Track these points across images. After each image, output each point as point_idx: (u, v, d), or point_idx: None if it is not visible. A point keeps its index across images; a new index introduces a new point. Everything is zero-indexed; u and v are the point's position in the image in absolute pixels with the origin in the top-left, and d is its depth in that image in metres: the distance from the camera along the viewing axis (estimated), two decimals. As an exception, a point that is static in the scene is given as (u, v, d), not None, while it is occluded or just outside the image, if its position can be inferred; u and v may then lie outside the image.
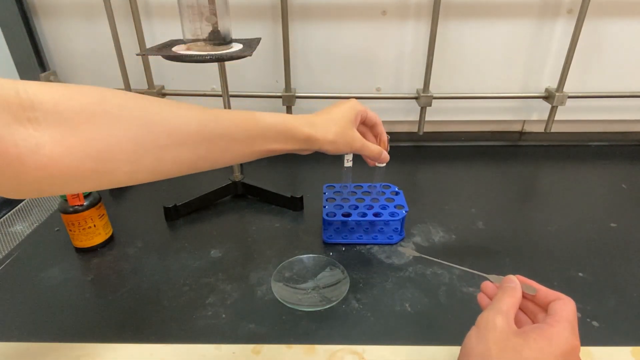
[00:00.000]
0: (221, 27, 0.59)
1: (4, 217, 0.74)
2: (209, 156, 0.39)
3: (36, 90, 0.29)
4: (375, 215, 0.60)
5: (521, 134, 1.01)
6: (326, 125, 0.47)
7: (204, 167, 0.39)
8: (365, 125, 0.54)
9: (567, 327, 0.32)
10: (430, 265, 0.57)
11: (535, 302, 0.37)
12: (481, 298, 0.40)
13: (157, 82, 0.91)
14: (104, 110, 0.31)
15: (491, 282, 0.40)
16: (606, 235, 0.64)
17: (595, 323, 0.48)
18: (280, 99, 0.89)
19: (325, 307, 0.51)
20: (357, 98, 0.90)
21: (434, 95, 0.88)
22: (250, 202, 0.74)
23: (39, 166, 0.28)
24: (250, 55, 0.56)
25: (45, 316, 0.50)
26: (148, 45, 0.85)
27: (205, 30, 0.59)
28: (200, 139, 0.37)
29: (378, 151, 0.53)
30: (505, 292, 0.36)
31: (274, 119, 0.44)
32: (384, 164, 0.59)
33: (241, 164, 0.83)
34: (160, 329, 0.48)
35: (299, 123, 0.45)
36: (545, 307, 0.35)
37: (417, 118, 0.92)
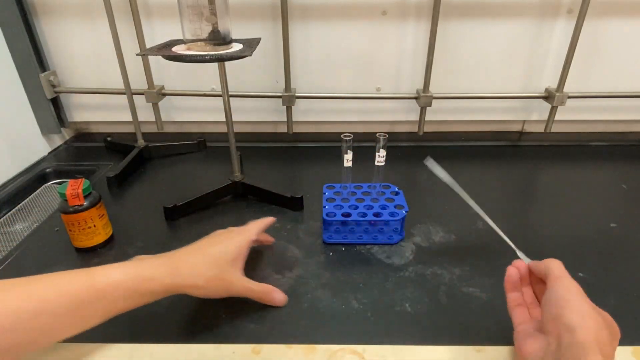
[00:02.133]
0: (221, 27, 0.59)
1: (4, 217, 0.74)
2: (23, 341, 0.33)
3: None
4: (375, 215, 0.60)
5: (521, 134, 1.01)
6: (195, 271, 0.42)
7: (24, 353, 0.34)
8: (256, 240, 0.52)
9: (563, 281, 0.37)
10: (430, 265, 0.57)
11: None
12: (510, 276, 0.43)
13: (157, 82, 0.91)
14: None
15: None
16: (606, 235, 0.64)
17: (595, 323, 0.48)
18: (280, 99, 0.89)
19: None
20: (357, 98, 0.91)
21: (434, 95, 0.88)
22: (250, 202, 0.74)
23: None
24: (250, 55, 0.56)
25: (45, 316, 0.50)
26: (148, 45, 0.85)
27: (205, 30, 0.59)
28: (17, 322, 0.32)
29: (265, 291, 0.47)
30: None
31: (120, 273, 0.37)
32: (383, 163, 0.59)
33: (241, 164, 0.83)
34: (160, 329, 0.48)
35: (156, 273, 0.39)
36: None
37: (417, 118, 0.92)
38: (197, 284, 0.41)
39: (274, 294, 0.49)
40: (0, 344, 0.32)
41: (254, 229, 0.52)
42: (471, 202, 0.52)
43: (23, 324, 0.32)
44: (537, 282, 0.43)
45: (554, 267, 0.39)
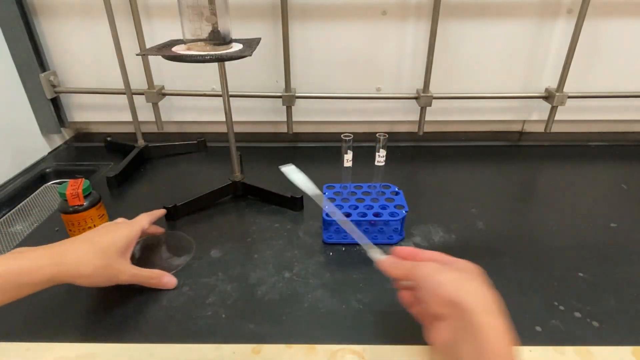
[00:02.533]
0: (221, 27, 0.59)
1: (4, 217, 0.74)
2: None
3: None
4: (375, 215, 0.60)
5: (521, 134, 1.01)
6: (82, 260, 0.42)
7: None
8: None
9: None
10: (430, 265, 0.57)
11: None
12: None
13: (157, 82, 0.91)
14: None
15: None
16: (606, 235, 0.64)
17: (595, 323, 0.48)
18: (280, 99, 0.89)
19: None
20: (357, 98, 0.91)
21: (434, 95, 0.88)
22: (250, 202, 0.74)
23: None
24: (250, 55, 0.56)
25: (45, 316, 0.50)
26: (148, 45, 0.85)
27: (205, 30, 0.59)
28: None
29: (154, 276, 0.49)
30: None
31: (8, 264, 0.37)
32: (383, 163, 0.59)
33: (241, 164, 0.83)
34: (160, 329, 0.48)
35: (39, 264, 0.39)
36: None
37: (417, 118, 0.92)
38: (83, 273, 0.41)
39: (164, 278, 0.51)
40: None
41: (144, 221, 0.53)
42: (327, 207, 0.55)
43: None
44: None
45: (410, 269, 0.40)
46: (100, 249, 0.44)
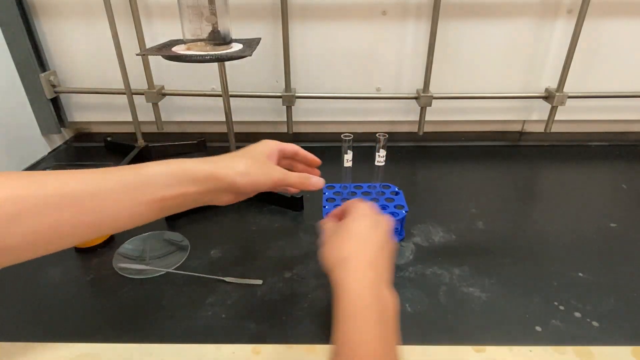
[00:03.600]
0: (221, 27, 0.59)
1: (4, 217, 0.74)
2: (78, 222, 0.34)
3: None
4: (375, 215, 0.60)
5: (521, 134, 1.01)
6: (233, 160, 0.43)
7: (79, 236, 0.35)
8: (288, 158, 0.52)
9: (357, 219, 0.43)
10: (430, 265, 0.57)
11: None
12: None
13: (157, 82, 0.91)
14: None
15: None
16: (606, 235, 0.64)
17: (595, 323, 0.48)
18: (280, 99, 0.89)
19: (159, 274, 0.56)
20: (357, 98, 0.91)
21: (434, 95, 0.88)
22: (250, 202, 0.74)
23: None
24: (250, 55, 0.56)
25: (45, 316, 0.50)
26: (148, 45, 0.85)
27: (205, 30, 0.59)
28: (59, 202, 0.33)
29: (301, 179, 0.49)
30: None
31: (164, 164, 0.39)
32: (383, 163, 0.59)
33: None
34: (160, 329, 0.48)
35: (196, 163, 0.41)
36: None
37: (417, 118, 0.92)
38: (238, 168, 0.42)
39: (312, 179, 0.49)
40: (65, 223, 0.33)
41: (283, 144, 0.52)
42: None
43: (83, 203, 0.34)
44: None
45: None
46: (245, 154, 0.45)
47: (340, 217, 0.47)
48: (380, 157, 0.61)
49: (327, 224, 0.46)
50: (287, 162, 0.52)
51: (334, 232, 0.43)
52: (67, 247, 0.35)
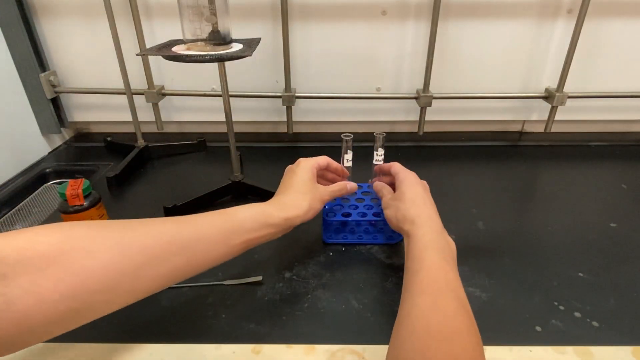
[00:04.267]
0: (221, 27, 0.59)
1: (4, 217, 0.74)
2: (188, 264, 0.39)
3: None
4: (375, 215, 0.60)
5: (521, 134, 1.01)
6: (296, 201, 0.49)
7: (185, 276, 0.39)
8: (321, 170, 0.57)
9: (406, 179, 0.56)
10: (430, 265, 0.57)
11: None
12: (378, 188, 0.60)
13: (157, 82, 0.91)
14: (73, 247, 0.31)
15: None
16: (606, 235, 0.64)
17: (595, 323, 0.48)
18: (280, 99, 0.89)
19: None
20: (357, 98, 0.91)
21: (434, 95, 0.88)
22: (250, 202, 0.73)
23: (14, 323, 0.27)
24: (250, 55, 0.56)
25: (45, 316, 0.50)
26: (148, 45, 0.85)
27: (205, 30, 0.59)
28: (175, 249, 0.38)
29: (341, 188, 0.57)
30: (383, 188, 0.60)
31: (249, 210, 0.46)
32: (382, 162, 0.61)
33: (241, 164, 0.83)
34: (160, 329, 0.48)
35: (273, 209, 0.47)
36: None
37: (417, 118, 0.92)
38: (304, 209, 0.49)
39: (348, 185, 0.58)
40: (181, 266, 0.38)
41: (316, 159, 0.57)
42: None
43: (195, 248, 0.39)
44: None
45: (399, 171, 0.58)
46: (300, 189, 0.51)
47: (388, 180, 0.60)
48: (379, 156, 0.61)
49: (384, 191, 0.58)
50: (319, 173, 0.57)
51: (396, 198, 0.53)
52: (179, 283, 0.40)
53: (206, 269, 0.41)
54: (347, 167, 0.60)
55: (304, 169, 0.53)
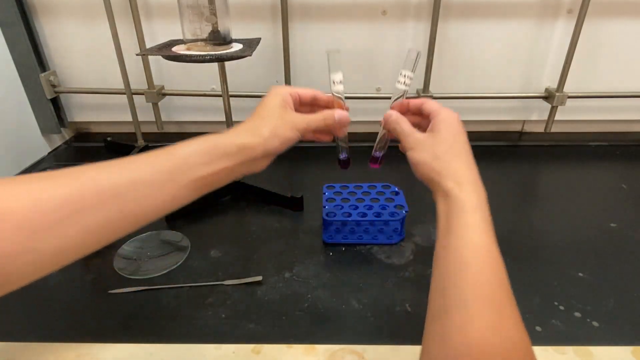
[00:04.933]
0: (221, 27, 0.59)
1: (4, 217, 0.74)
2: (123, 216, 0.34)
3: None
4: (376, 215, 0.60)
5: (521, 134, 1.01)
6: (255, 126, 0.42)
7: (123, 230, 0.34)
8: (306, 105, 0.48)
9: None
10: (430, 265, 0.57)
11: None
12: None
13: (157, 82, 0.91)
14: None
15: None
16: (606, 235, 0.64)
17: (595, 323, 0.48)
18: (280, 99, 0.89)
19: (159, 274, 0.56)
20: (357, 98, 0.91)
21: (434, 95, 0.88)
22: (250, 202, 0.74)
23: None
24: (250, 55, 0.56)
25: (45, 316, 0.50)
26: (148, 45, 0.85)
27: (205, 30, 0.59)
28: (105, 198, 0.33)
29: (326, 116, 0.46)
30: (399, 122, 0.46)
31: (195, 143, 0.40)
32: (407, 88, 0.47)
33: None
34: (160, 329, 0.48)
35: (225, 137, 0.41)
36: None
37: (417, 118, 0.92)
38: (263, 135, 0.41)
39: (336, 114, 0.47)
40: (112, 217, 0.33)
41: (296, 88, 0.49)
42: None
43: (126, 195, 0.34)
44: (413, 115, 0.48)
45: (435, 107, 0.45)
46: (263, 115, 0.43)
47: (413, 121, 0.46)
48: (405, 79, 0.47)
49: (403, 125, 0.45)
50: (306, 109, 0.48)
51: (435, 143, 0.42)
52: (117, 239, 0.35)
53: (149, 220, 0.36)
54: (337, 94, 0.49)
55: (274, 94, 0.45)
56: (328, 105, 0.49)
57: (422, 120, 0.47)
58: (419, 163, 0.42)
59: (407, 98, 0.48)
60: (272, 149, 0.42)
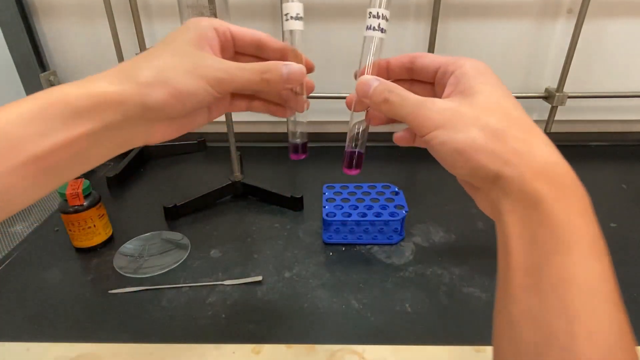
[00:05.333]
0: (221, 27, 0.59)
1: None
2: None
3: None
4: (375, 215, 0.60)
5: (521, 134, 1.01)
6: (132, 66, 0.26)
7: None
8: (248, 55, 0.33)
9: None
10: (430, 265, 0.57)
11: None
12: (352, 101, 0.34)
13: (157, 82, 0.90)
14: None
15: None
16: (606, 235, 0.63)
17: (595, 323, 0.48)
18: (280, 99, 0.89)
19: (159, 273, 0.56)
20: (357, 98, 0.91)
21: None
22: (250, 202, 0.74)
23: None
24: (250, 55, 0.56)
25: (45, 316, 0.50)
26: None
27: (205, 30, 0.59)
28: None
29: (266, 67, 0.29)
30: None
31: (24, 103, 0.24)
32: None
33: (241, 164, 0.82)
34: (160, 329, 0.48)
35: (75, 86, 0.25)
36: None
37: (417, 118, 0.92)
38: (142, 77, 0.26)
39: (283, 68, 0.30)
40: None
41: (226, 23, 0.32)
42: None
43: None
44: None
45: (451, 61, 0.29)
46: (163, 47, 0.28)
47: (400, 79, 0.32)
48: (376, 22, 0.31)
49: (426, 99, 0.27)
50: (248, 59, 0.33)
51: (475, 114, 0.26)
52: None
53: None
54: (293, 41, 0.34)
55: (187, 27, 0.29)
56: (281, 57, 0.32)
57: (414, 88, 0.31)
58: (464, 148, 0.25)
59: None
60: (156, 105, 0.26)
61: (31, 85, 0.88)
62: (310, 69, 0.35)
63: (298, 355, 0.44)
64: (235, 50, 0.32)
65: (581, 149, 0.95)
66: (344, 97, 0.96)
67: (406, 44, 0.87)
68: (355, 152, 0.33)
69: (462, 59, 0.29)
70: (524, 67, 0.89)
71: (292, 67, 0.30)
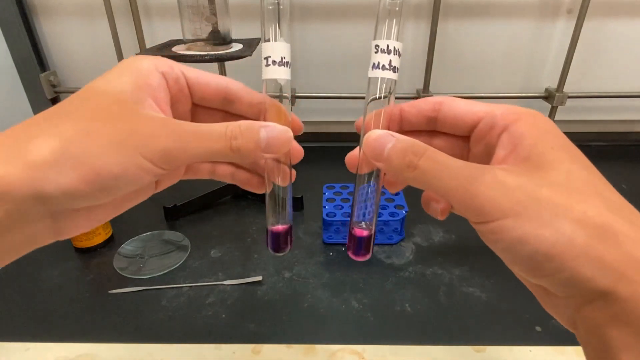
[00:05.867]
0: (221, 27, 0.59)
1: (4, 217, 0.74)
2: None
3: None
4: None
5: (521, 134, 1.01)
6: (26, 136, 0.18)
7: None
8: (204, 107, 0.26)
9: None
10: (430, 265, 0.57)
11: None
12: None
13: (157, 82, 0.90)
14: None
15: None
16: (606, 235, 0.64)
17: (595, 323, 0.48)
18: (280, 99, 0.89)
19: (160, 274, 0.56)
20: (357, 98, 0.91)
21: (434, 95, 0.88)
22: (250, 202, 0.74)
23: None
24: (250, 55, 0.56)
25: (45, 316, 0.50)
26: (148, 45, 0.85)
27: (205, 30, 0.59)
28: None
29: (238, 131, 0.22)
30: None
31: None
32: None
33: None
34: (160, 329, 0.48)
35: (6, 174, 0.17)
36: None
37: (417, 118, 0.92)
38: (32, 156, 0.18)
39: (261, 128, 0.22)
40: None
41: (174, 64, 0.24)
42: None
43: None
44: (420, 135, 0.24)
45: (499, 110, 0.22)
46: (74, 101, 0.20)
47: (415, 129, 0.24)
48: (384, 55, 0.25)
49: (485, 169, 0.20)
50: (211, 115, 0.26)
51: (557, 199, 0.19)
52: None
53: None
54: (272, 92, 0.27)
55: (122, 72, 0.22)
56: (257, 114, 0.26)
57: (435, 142, 0.25)
58: (557, 252, 0.18)
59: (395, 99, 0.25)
60: (59, 194, 0.18)
61: (31, 85, 0.88)
62: (298, 131, 0.25)
63: (298, 355, 0.44)
64: (194, 102, 0.24)
65: (581, 149, 0.94)
66: (343, 97, 0.96)
67: (406, 44, 0.87)
68: (364, 234, 0.24)
69: (513, 109, 0.21)
70: (524, 67, 0.89)
71: (273, 130, 0.22)
